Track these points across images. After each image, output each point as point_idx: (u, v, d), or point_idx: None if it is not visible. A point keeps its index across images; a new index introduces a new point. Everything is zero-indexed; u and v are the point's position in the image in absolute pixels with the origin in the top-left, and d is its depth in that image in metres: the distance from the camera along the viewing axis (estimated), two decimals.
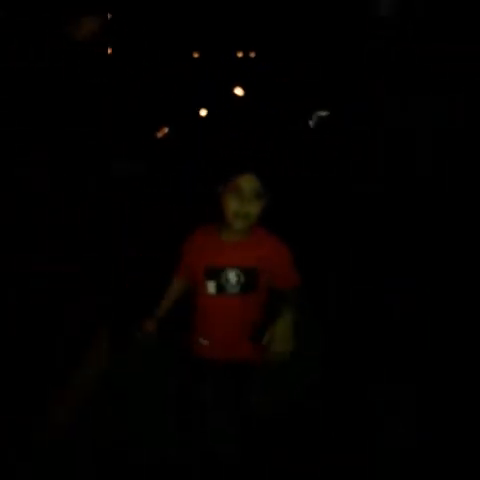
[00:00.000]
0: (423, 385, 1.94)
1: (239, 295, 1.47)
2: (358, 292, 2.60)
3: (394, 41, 4.24)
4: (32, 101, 1.66)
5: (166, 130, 5.06)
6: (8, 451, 1.46)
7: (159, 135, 4.91)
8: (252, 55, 5.65)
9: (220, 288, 1.48)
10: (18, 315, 1.55)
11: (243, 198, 1.38)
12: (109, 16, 1.70)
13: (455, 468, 1.60)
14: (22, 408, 1.51)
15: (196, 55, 5.49)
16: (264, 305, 1.54)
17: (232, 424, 1.58)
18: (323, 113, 5.36)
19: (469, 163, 3.56)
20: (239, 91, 5.72)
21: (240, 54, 5.74)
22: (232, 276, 1.46)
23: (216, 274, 1.47)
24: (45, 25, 1.45)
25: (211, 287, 1.48)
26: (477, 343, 2.14)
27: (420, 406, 1.85)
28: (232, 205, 1.39)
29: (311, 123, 5.30)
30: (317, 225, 3.40)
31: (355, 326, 2.33)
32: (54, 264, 1.62)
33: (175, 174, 4.11)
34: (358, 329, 2.30)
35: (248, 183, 1.38)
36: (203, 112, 5.52)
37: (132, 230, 3.12)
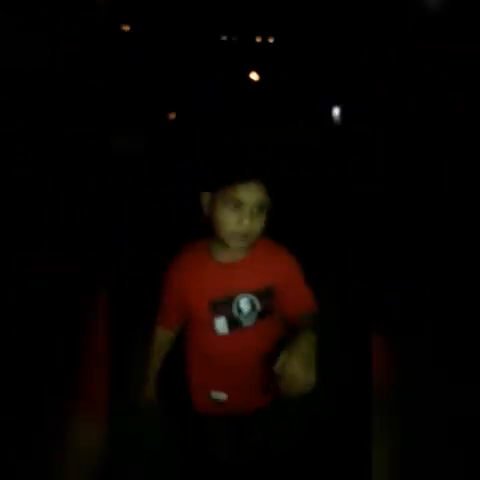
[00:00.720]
0: (423, 386, 1.94)
1: (256, 325, 1.17)
2: (358, 292, 2.60)
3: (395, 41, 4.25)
4: (32, 101, 1.66)
5: (173, 115, 5.12)
6: (8, 451, 1.46)
7: (171, 117, 4.97)
8: (271, 40, 5.51)
9: (233, 323, 1.16)
10: (18, 315, 1.55)
11: (244, 214, 1.05)
12: None
13: (456, 469, 1.60)
14: (22, 408, 1.51)
15: (223, 38, 5.42)
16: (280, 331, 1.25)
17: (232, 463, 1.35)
18: (338, 108, 5.17)
19: (469, 163, 3.55)
20: (254, 76, 5.63)
21: (259, 39, 5.62)
22: (245, 304, 1.15)
23: (225, 307, 1.15)
24: (46, 25, 1.45)
25: (221, 325, 1.16)
26: (478, 343, 2.14)
27: (420, 407, 1.85)
28: (229, 223, 1.05)
29: (335, 116, 5.07)
30: (317, 225, 3.40)
31: (355, 326, 2.33)
32: (54, 264, 1.62)
33: (175, 174, 4.11)
34: (358, 329, 2.30)
35: (252, 195, 1.04)
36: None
37: (132, 230, 3.12)
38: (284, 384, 0.93)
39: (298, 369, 0.92)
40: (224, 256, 1.15)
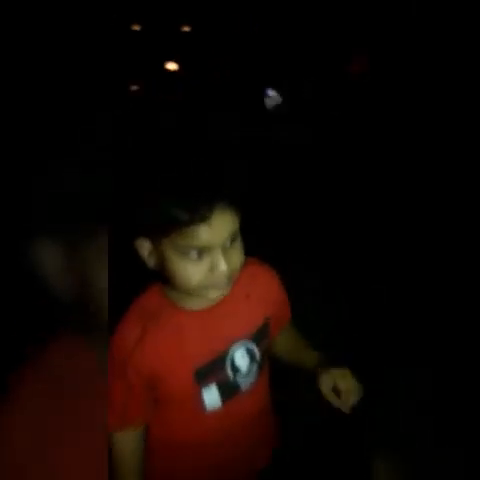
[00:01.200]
0: (423, 390, 1.93)
1: (257, 381, 0.86)
2: (357, 291, 2.58)
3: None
4: (33, 101, 1.66)
5: None
6: None
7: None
8: (186, 29, 5.30)
9: (227, 390, 0.82)
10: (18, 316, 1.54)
11: (216, 258, 0.70)
12: None
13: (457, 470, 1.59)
14: None
15: (136, 27, 5.21)
16: None
17: None
18: (274, 93, 4.58)
19: (468, 163, 3.55)
20: (172, 66, 5.31)
21: (175, 28, 5.37)
22: (241, 357, 0.82)
23: (216, 370, 0.81)
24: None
25: (212, 398, 0.81)
26: (478, 343, 2.13)
27: (421, 409, 1.85)
28: (196, 276, 0.71)
29: (268, 102, 4.45)
30: (316, 225, 3.39)
31: (355, 327, 2.32)
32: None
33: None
34: (357, 330, 2.30)
35: (219, 233, 0.69)
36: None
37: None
38: (343, 407, 0.82)
39: (349, 384, 0.83)
40: (196, 301, 0.80)
